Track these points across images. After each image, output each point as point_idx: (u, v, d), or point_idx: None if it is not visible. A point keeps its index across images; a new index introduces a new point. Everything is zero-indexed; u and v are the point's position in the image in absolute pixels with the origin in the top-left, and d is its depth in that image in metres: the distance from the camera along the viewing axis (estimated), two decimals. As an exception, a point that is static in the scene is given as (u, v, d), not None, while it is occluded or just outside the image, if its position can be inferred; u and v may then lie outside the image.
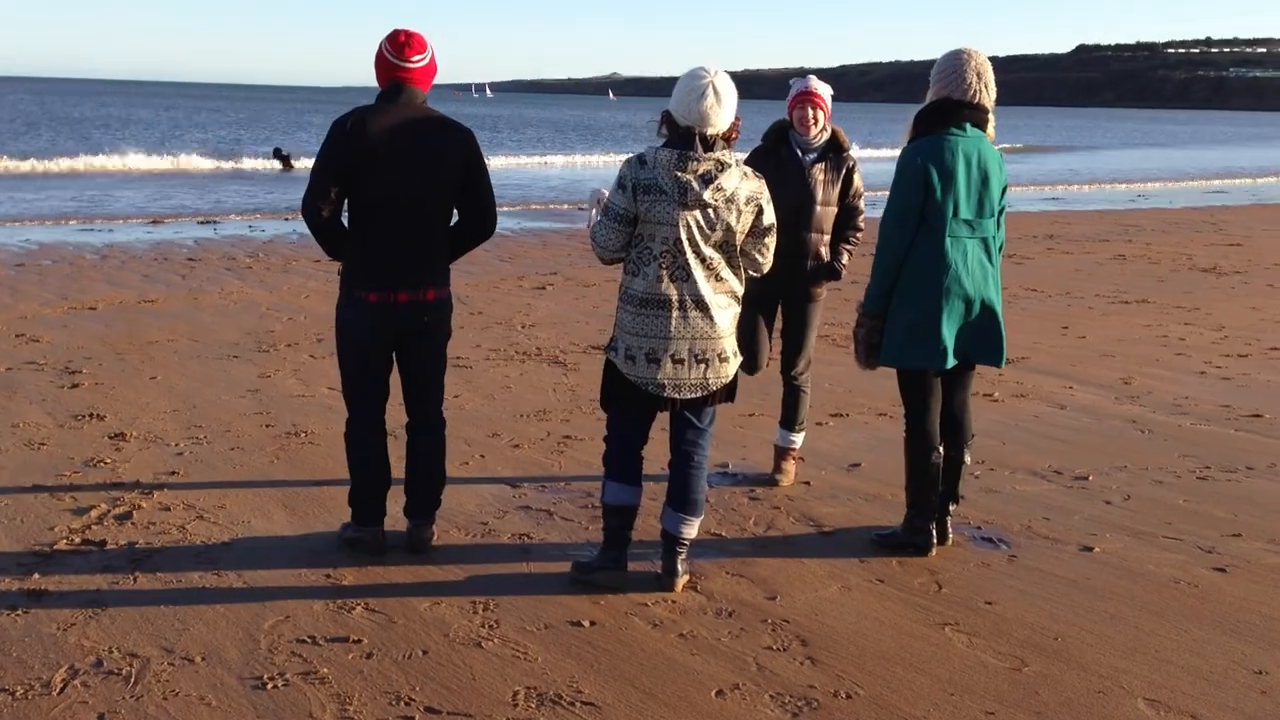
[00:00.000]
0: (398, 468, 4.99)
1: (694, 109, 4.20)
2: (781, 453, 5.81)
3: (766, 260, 4.44)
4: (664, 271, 4.25)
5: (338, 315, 4.79)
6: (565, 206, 23.79)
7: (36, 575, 4.56)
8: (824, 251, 5.51)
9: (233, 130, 58.91)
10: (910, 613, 4.32)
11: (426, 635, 4.11)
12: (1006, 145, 56.80)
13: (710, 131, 4.22)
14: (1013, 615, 4.30)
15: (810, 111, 5.41)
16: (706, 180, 4.18)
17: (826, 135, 5.48)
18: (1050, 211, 23.77)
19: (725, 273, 4.32)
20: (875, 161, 41.21)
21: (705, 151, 4.20)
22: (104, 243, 16.01)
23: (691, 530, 4.54)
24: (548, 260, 15.02)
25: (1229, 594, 4.54)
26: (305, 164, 33.57)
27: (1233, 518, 5.39)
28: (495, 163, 38.71)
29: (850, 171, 5.52)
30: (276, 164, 33.33)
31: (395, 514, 4.99)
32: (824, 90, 5.46)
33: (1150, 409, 7.45)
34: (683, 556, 4.54)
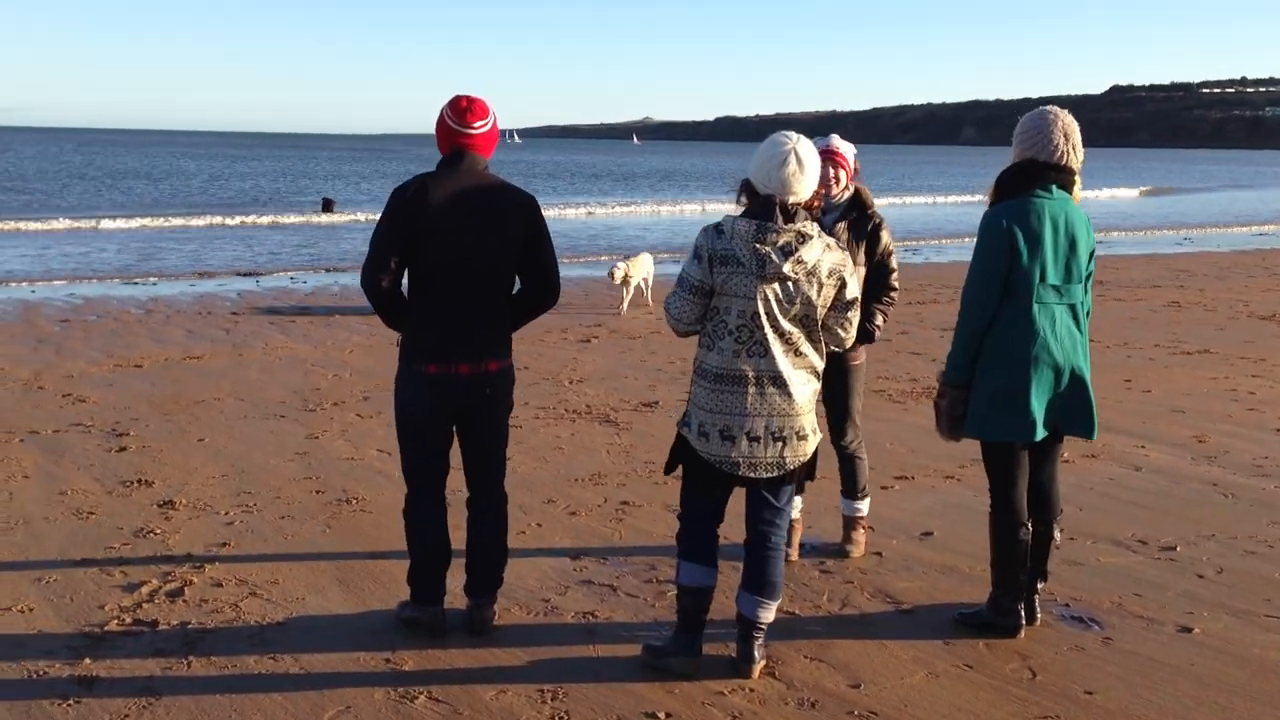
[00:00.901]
0: (456, 539, 4.80)
1: (774, 176, 4.04)
2: (850, 523, 5.57)
3: (849, 335, 4.24)
4: (740, 346, 4.06)
5: (396, 388, 4.63)
6: (607, 258, 23.69)
7: (87, 660, 4.39)
8: None
9: (271, 180, 59.46)
10: (1006, 704, 4.06)
11: (494, 729, 3.90)
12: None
13: (792, 200, 4.06)
14: (1117, 708, 4.03)
15: (830, 170, 5.20)
16: (786, 252, 4.00)
17: (848, 194, 5.29)
18: (1098, 255, 23.43)
19: (805, 348, 4.12)
20: (910, 208, 41.05)
21: (786, 222, 4.02)
22: (148, 296, 16.04)
23: (769, 614, 4.31)
24: (591, 312, 14.88)
25: (1344, 682, 4.25)
26: (351, 216, 33.88)
27: (1334, 594, 5.10)
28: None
29: (877, 229, 5.28)
30: (322, 217, 33.49)
31: (453, 589, 4.79)
32: (845, 149, 5.30)
33: (1230, 470, 7.16)
34: (760, 641, 4.31)
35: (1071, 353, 4.42)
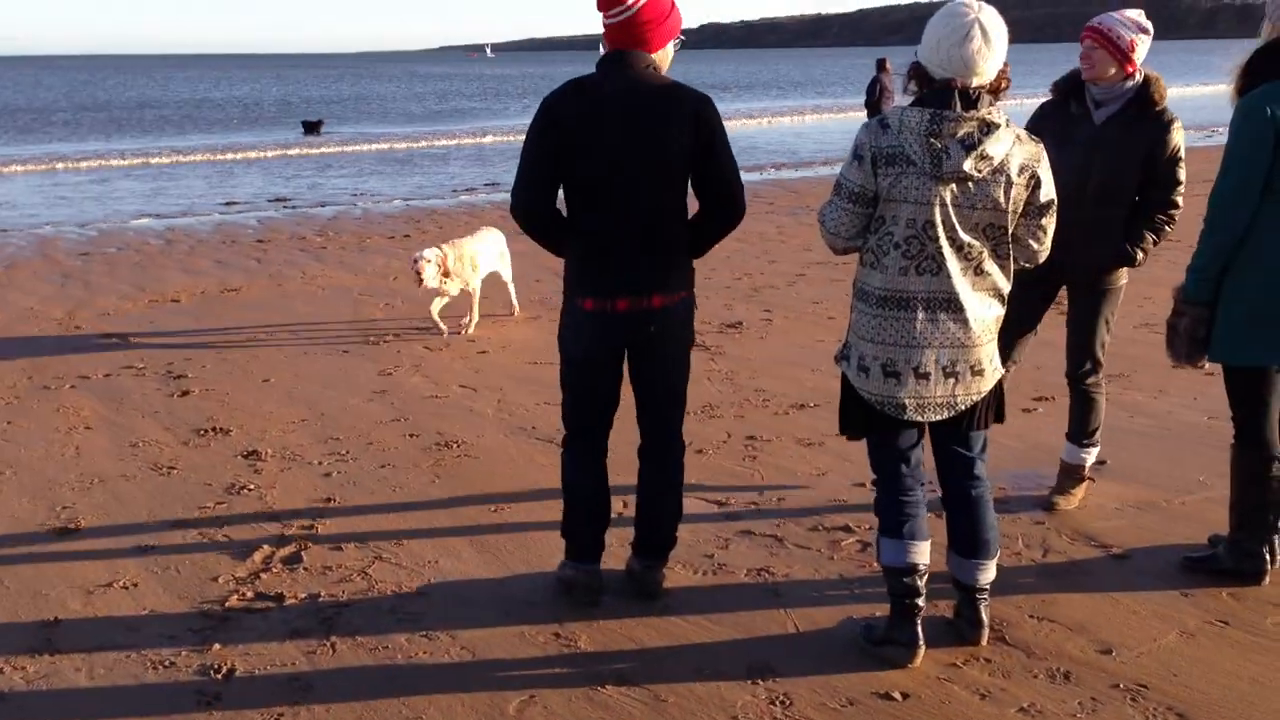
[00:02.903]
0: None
1: (955, 55, 3.31)
2: (1070, 471, 4.86)
3: (1043, 247, 3.55)
4: (909, 262, 3.40)
5: (560, 321, 4.07)
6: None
7: (216, 645, 3.86)
8: (1115, 230, 4.48)
9: (253, 107, 58.11)
10: (1288, 668, 3.55)
11: None
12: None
13: (975, 83, 3.34)
14: None
15: (1092, 52, 4.37)
16: (967, 146, 3.30)
17: (1131, 84, 4.42)
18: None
19: (989, 264, 3.44)
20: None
21: (966, 109, 3.32)
22: (165, 226, 15.34)
23: (989, 575, 3.73)
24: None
25: None
26: (345, 147, 32.97)
27: None
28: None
29: (1166, 129, 4.42)
30: (310, 148, 32.16)
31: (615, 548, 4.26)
32: (1118, 26, 4.36)
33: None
34: (985, 603, 3.76)
35: (1350, 264, 3.83)
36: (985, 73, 3.36)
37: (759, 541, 4.63)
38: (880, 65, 18.51)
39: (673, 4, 3.89)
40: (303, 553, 4.62)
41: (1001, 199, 3.38)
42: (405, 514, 5.04)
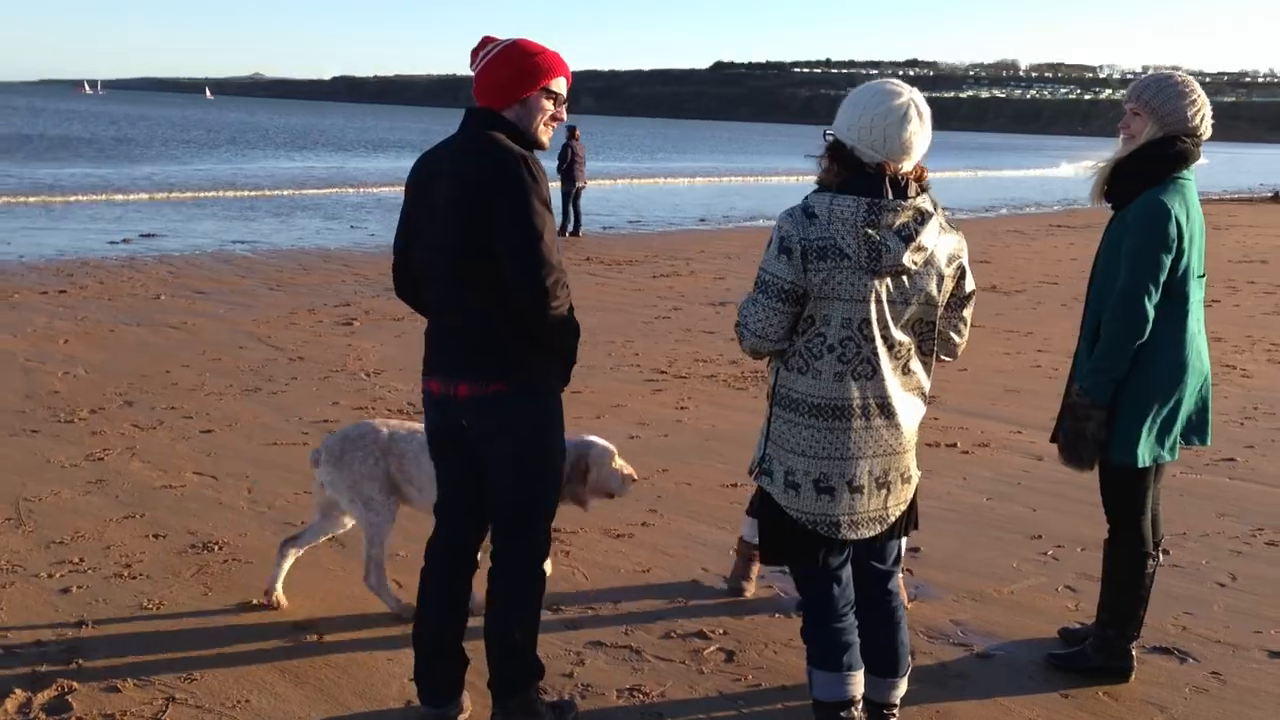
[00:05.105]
0: None
1: (894, 138, 3.09)
2: None
3: (963, 340, 3.40)
4: (844, 366, 3.14)
5: None
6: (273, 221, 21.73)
7: (-4, 842, 3.00)
8: None
9: None
10: (1201, 772, 3.53)
11: None
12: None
13: (905, 168, 3.15)
14: (1314, 765, 3.61)
15: None
16: (904, 237, 3.09)
17: None
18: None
19: (914, 363, 3.25)
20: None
21: (897, 196, 3.12)
22: None
23: (902, 690, 3.51)
24: (322, 287, 13.34)
25: None
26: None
27: (1354, 594, 4.98)
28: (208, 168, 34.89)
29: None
30: None
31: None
32: None
33: (1123, 457, 7.07)
34: (896, 719, 3.55)
35: (1207, 355, 3.94)
36: (917, 157, 3.18)
37: (615, 655, 4.21)
38: (570, 133, 18.62)
39: (527, 50, 3.40)
40: (69, 696, 3.75)
41: (934, 291, 3.19)
42: (183, 638, 4.23)
